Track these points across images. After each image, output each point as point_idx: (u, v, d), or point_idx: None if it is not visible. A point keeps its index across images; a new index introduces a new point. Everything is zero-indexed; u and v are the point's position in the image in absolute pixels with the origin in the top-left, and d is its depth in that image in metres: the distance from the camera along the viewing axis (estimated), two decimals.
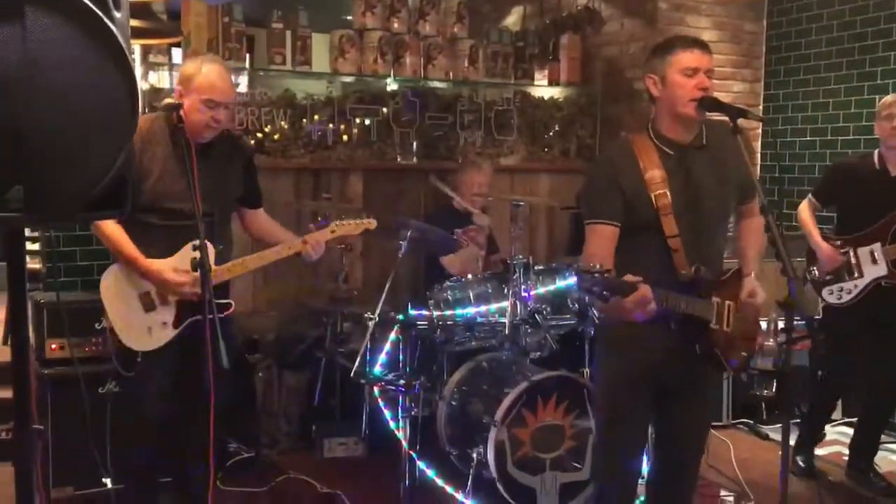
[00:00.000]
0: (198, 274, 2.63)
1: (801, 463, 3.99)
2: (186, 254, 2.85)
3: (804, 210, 3.90)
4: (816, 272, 3.86)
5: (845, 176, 3.84)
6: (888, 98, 3.72)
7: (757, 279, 2.60)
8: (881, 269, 3.68)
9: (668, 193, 2.43)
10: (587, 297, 2.35)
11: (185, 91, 2.88)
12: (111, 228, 2.87)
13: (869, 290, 3.71)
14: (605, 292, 2.16)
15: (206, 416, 2.46)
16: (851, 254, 3.74)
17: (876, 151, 3.75)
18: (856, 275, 3.73)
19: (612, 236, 2.46)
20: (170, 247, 2.91)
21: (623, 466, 2.70)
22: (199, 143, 2.87)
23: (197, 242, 2.73)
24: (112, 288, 2.93)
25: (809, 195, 3.92)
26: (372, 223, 3.29)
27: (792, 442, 3.82)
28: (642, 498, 2.93)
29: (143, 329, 2.92)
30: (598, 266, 2.19)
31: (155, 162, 2.87)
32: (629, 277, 2.22)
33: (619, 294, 2.19)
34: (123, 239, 2.88)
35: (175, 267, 2.88)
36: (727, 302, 2.52)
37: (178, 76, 3.10)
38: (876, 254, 3.68)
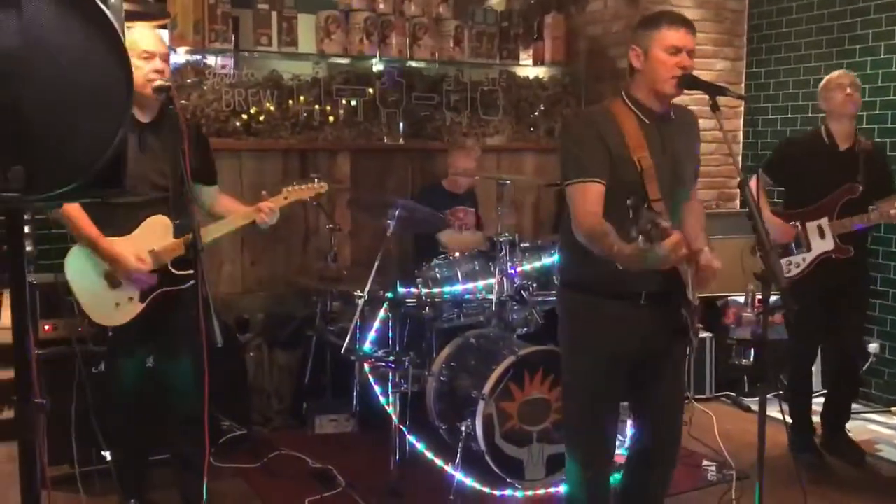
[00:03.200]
0: (149, 266, 2.89)
1: (802, 448, 3.87)
2: (145, 230, 2.95)
3: (753, 186, 3.94)
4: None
5: (795, 151, 3.90)
6: (833, 73, 3.80)
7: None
8: (828, 244, 3.74)
9: (650, 157, 2.40)
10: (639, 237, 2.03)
11: None
12: (72, 208, 2.87)
13: (817, 264, 3.77)
14: (657, 231, 2.00)
15: (198, 394, 2.48)
16: (800, 228, 3.81)
17: (823, 127, 3.81)
18: (804, 248, 3.80)
19: (602, 196, 2.37)
20: (127, 223, 2.94)
21: (599, 446, 2.67)
22: (147, 121, 2.90)
23: (158, 217, 2.92)
24: (76, 266, 2.96)
25: (759, 171, 3.94)
26: (323, 187, 3.24)
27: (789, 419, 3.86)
28: (617, 475, 2.89)
29: (110, 305, 2.97)
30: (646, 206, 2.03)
31: None
32: (662, 222, 2.07)
33: (659, 239, 2.05)
34: (84, 218, 2.89)
35: (137, 254, 2.92)
36: (690, 272, 2.51)
37: None
38: (823, 228, 3.75)
